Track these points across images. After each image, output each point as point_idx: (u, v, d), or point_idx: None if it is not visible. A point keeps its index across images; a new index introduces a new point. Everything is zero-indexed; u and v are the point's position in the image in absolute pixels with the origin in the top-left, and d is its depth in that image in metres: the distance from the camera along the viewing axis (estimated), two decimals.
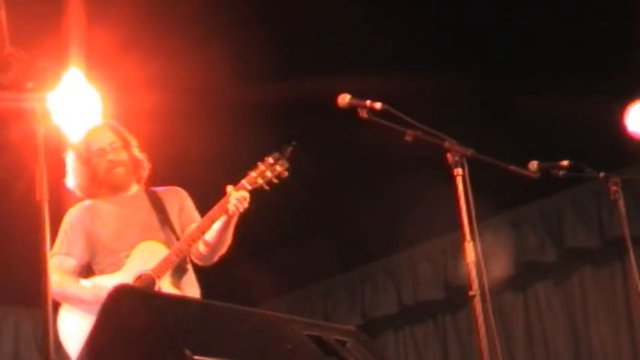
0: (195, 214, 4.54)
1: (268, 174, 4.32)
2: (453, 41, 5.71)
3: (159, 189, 4.61)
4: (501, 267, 6.98)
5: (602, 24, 5.36)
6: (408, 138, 3.81)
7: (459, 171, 3.75)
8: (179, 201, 4.56)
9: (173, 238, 4.45)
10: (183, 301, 3.61)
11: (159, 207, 4.51)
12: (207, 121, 5.90)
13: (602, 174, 4.73)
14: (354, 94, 3.85)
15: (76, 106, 4.45)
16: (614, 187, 4.73)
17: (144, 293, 3.56)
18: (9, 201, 5.38)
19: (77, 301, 4.31)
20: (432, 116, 3.85)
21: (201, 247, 4.42)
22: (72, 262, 4.43)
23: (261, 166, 4.34)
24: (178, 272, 4.40)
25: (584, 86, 5.59)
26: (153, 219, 4.47)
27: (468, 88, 5.80)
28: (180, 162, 5.50)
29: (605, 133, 5.43)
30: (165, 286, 4.31)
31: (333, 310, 8.32)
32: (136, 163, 4.56)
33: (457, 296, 7.36)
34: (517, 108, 5.90)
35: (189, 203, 4.58)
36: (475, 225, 3.68)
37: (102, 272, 4.41)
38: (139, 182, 4.60)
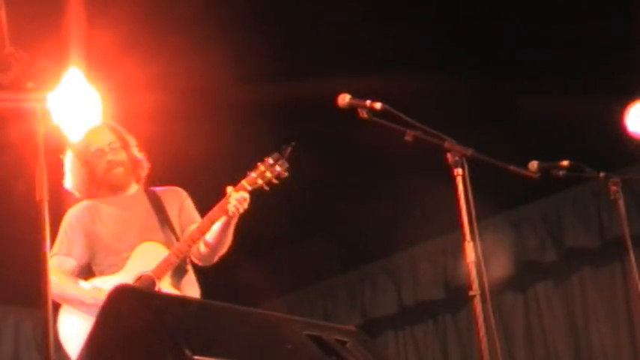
0: (195, 215, 4.54)
1: (268, 174, 4.32)
2: (453, 41, 5.71)
3: (158, 189, 4.61)
4: (501, 267, 6.98)
5: (602, 24, 5.36)
6: (408, 138, 3.81)
7: (459, 171, 3.75)
8: (179, 201, 4.56)
9: (173, 238, 4.44)
10: (183, 301, 3.61)
11: (158, 207, 4.50)
12: (207, 121, 5.90)
13: (602, 174, 4.73)
14: (354, 94, 3.85)
15: (76, 106, 4.44)
16: (614, 187, 4.73)
17: (144, 293, 3.56)
18: (9, 201, 5.38)
19: (77, 303, 4.30)
20: (432, 116, 3.85)
21: (202, 248, 4.42)
22: (72, 263, 4.43)
23: (261, 167, 4.33)
24: (178, 273, 4.39)
25: (584, 86, 5.59)
26: (152, 219, 4.47)
27: (468, 88, 5.80)
28: (180, 162, 5.50)
29: (605, 133, 5.43)
30: (166, 286, 4.31)
31: (333, 310, 8.32)
32: (135, 163, 4.56)
33: (457, 296, 7.36)
34: (517, 108, 5.90)
35: (188, 203, 4.57)
36: (475, 225, 3.68)
37: (102, 273, 4.41)
38: (138, 182, 4.59)
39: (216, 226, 4.33)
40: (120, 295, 2.97)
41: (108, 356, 2.91)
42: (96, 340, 2.97)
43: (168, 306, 3.02)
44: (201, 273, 4.55)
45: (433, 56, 5.66)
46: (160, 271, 4.30)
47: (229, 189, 4.29)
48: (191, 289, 4.44)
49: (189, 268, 4.48)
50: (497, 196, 6.12)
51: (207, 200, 4.46)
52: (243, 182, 4.31)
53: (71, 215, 4.52)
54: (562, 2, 5.43)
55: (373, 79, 4.66)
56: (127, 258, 4.36)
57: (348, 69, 5.33)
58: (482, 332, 3.59)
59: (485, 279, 3.66)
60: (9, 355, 7.82)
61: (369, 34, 5.62)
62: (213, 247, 4.42)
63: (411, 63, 5.63)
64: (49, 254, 2.92)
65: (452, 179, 3.77)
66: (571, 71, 5.67)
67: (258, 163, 4.35)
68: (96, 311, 3.13)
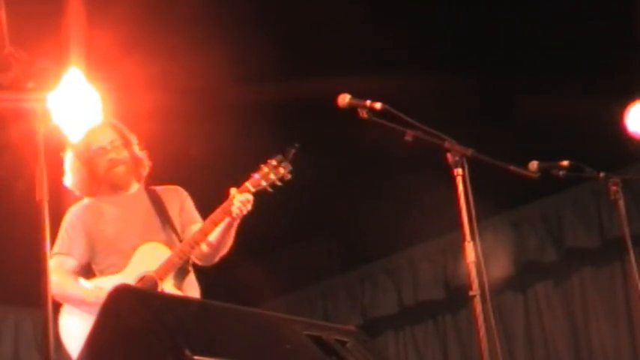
0: (196, 214, 4.54)
1: (272, 176, 4.32)
2: (453, 41, 5.71)
3: (158, 188, 4.60)
4: (501, 267, 6.98)
5: (602, 24, 5.36)
6: (408, 138, 3.81)
7: (459, 171, 3.76)
8: (179, 200, 4.55)
9: (174, 238, 4.44)
10: (183, 301, 3.62)
11: (159, 206, 4.50)
12: (207, 121, 5.90)
13: (602, 174, 4.73)
14: (354, 94, 3.85)
15: (76, 106, 4.43)
16: (614, 187, 4.73)
17: (144, 293, 3.57)
18: (9, 201, 5.37)
19: (79, 303, 4.29)
20: (432, 116, 3.85)
21: (204, 247, 4.41)
22: (72, 262, 4.43)
23: (264, 168, 4.33)
24: (181, 274, 4.39)
25: (584, 86, 5.59)
26: (154, 219, 4.46)
27: (468, 88, 5.80)
28: (180, 162, 5.50)
29: (605, 133, 5.43)
30: (168, 287, 4.31)
31: (333, 310, 8.32)
32: (136, 162, 4.55)
33: (457, 296, 7.36)
34: (517, 108, 5.90)
35: (189, 203, 4.57)
36: (475, 225, 3.68)
37: (102, 273, 4.40)
38: (138, 181, 4.58)
39: (219, 227, 4.33)
40: (120, 295, 2.97)
41: (108, 356, 2.91)
42: (96, 340, 2.97)
43: (169, 306, 3.02)
44: (201, 273, 4.55)
45: (433, 56, 5.65)
46: (162, 272, 4.30)
47: (233, 190, 4.29)
48: (192, 290, 4.44)
49: (191, 269, 4.48)
50: (497, 196, 6.12)
51: (207, 200, 4.46)
52: (247, 184, 4.31)
53: (72, 214, 4.51)
54: (562, 2, 5.43)
55: (373, 79, 4.66)
56: (129, 258, 4.36)
57: (348, 69, 5.33)
58: (483, 332, 3.59)
59: (485, 279, 3.66)
60: (9, 355, 7.82)
61: (369, 34, 5.62)
62: (216, 247, 4.41)
63: (411, 63, 5.63)
64: (49, 253, 2.92)
65: (452, 179, 3.77)
66: (571, 71, 5.67)
67: (262, 165, 4.34)
68: (97, 310, 3.12)
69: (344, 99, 3.84)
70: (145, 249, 4.38)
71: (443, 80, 5.57)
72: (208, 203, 4.46)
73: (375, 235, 7.48)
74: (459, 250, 3.85)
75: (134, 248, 4.37)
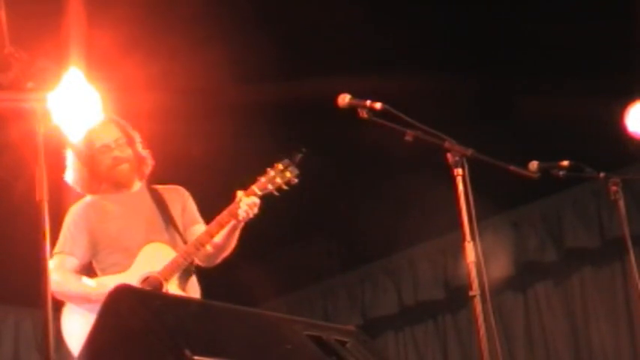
0: (197, 215, 4.54)
1: (278, 180, 4.33)
2: (453, 41, 5.71)
3: (160, 187, 4.59)
4: (501, 267, 6.98)
5: (602, 24, 5.36)
6: (408, 138, 3.80)
7: (459, 171, 3.76)
8: (181, 200, 4.55)
9: (177, 237, 4.44)
10: (183, 302, 3.62)
11: (162, 206, 4.49)
12: (207, 121, 5.90)
13: (602, 174, 4.73)
14: (354, 94, 3.85)
15: (76, 106, 4.43)
16: (614, 187, 4.73)
17: (144, 293, 3.56)
18: (9, 201, 5.37)
19: (82, 300, 4.28)
20: (432, 116, 3.85)
21: (208, 247, 4.40)
22: (74, 261, 4.41)
23: (271, 172, 4.34)
24: (185, 275, 4.39)
25: (584, 86, 5.58)
26: (157, 218, 4.45)
27: (468, 88, 5.80)
28: (181, 162, 5.49)
29: (605, 133, 5.43)
30: (172, 289, 4.30)
31: (333, 310, 8.32)
32: (140, 160, 4.54)
33: (457, 296, 7.36)
34: (517, 108, 5.90)
35: (191, 203, 4.56)
36: (475, 225, 3.68)
37: (104, 271, 4.39)
38: (141, 179, 4.57)
39: (224, 229, 4.33)
40: (120, 295, 2.97)
41: (108, 356, 2.91)
42: (96, 340, 2.97)
43: (169, 306, 3.02)
44: (202, 273, 4.55)
45: (433, 56, 5.65)
46: (167, 273, 4.29)
47: (240, 193, 4.29)
48: (194, 291, 4.44)
49: (194, 270, 4.48)
50: (497, 196, 6.12)
51: (207, 200, 4.45)
52: (254, 187, 4.31)
53: (74, 212, 4.50)
54: (562, 2, 5.43)
55: (373, 79, 4.66)
56: (133, 257, 4.34)
57: (348, 69, 5.33)
58: (483, 332, 3.59)
59: (485, 279, 3.66)
60: (9, 355, 7.82)
61: (369, 34, 5.62)
62: (219, 249, 4.42)
63: (411, 63, 5.63)
64: (51, 252, 2.92)
65: (452, 179, 3.77)
66: (571, 71, 5.67)
67: (268, 169, 4.35)
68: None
69: (344, 99, 3.84)
70: (149, 249, 4.37)
71: (443, 80, 5.57)
72: (208, 203, 4.45)
73: (375, 235, 7.48)
74: (459, 250, 3.85)
75: (138, 247, 4.36)
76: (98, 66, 4.79)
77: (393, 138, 3.84)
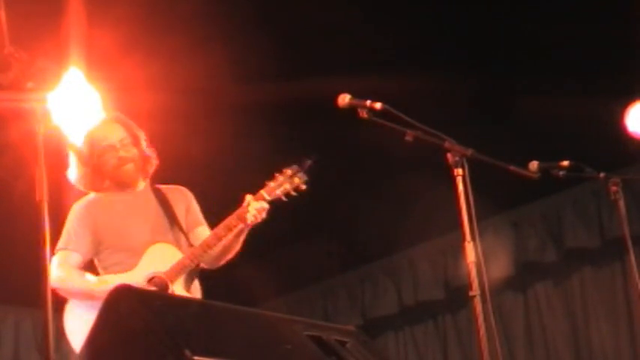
0: (201, 217, 4.53)
1: (287, 186, 4.34)
2: (453, 41, 5.71)
3: (164, 187, 4.58)
4: (501, 267, 6.98)
5: (602, 24, 5.36)
6: (408, 138, 3.80)
7: (459, 171, 3.75)
8: (185, 201, 4.54)
9: (181, 237, 4.43)
10: (183, 302, 3.62)
11: (166, 206, 4.47)
12: (207, 121, 5.90)
13: (602, 174, 4.73)
14: (354, 94, 3.85)
15: (76, 106, 4.43)
16: (614, 187, 4.73)
17: (144, 293, 3.56)
18: (9, 201, 5.37)
19: (85, 297, 4.26)
20: (432, 116, 3.85)
21: (214, 251, 4.40)
22: (77, 258, 4.39)
23: (280, 178, 4.34)
24: (190, 277, 4.38)
25: (584, 86, 5.59)
26: (162, 218, 4.44)
27: (468, 88, 5.80)
28: (181, 162, 5.49)
29: (605, 133, 5.43)
30: (179, 290, 4.29)
31: (333, 310, 8.32)
32: (145, 160, 4.52)
33: (457, 296, 7.36)
34: (517, 108, 5.90)
35: (195, 205, 4.55)
36: (475, 225, 3.68)
37: (106, 270, 4.38)
38: (145, 179, 4.57)
39: (231, 232, 4.33)
40: (120, 295, 2.97)
41: (108, 356, 2.91)
42: (96, 340, 2.97)
43: (169, 306, 3.02)
44: (202, 273, 4.55)
45: (433, 56, 5.65)
46: (173, 274, 4.28)
47: (248, 197, 4.29)
48: (197, 293, 4.43)
49: (198, 272, 4.47)
50: (497, 196, 6.12)
51: (207, 200, 4.45)
52: (262, 192, 4.32)
53: (78, 209, 4.47)
54: (562, 2, 5.43)
55: (373, 79, 4.66)
56: (138, 256, 4.33)
57: (348, 69, 5.33)
58: (483, 332, 3.59)
59: (485, 279, 3.66)
60: (9, 355, 7.82)
61: (369, 34, 5.61)
62: (224, 252, 4.41)
63: (411, 63, 5.62)
64: (53, 249, 2.92)
65: (452, 179, 3.77)
66: (571, 71, 5.67)
67: (277, 174, 4.35)
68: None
69: (344, 99, 3.84)
70: (155, 249, 4.35)
71: (443, 80, 5.57)
72: (208, 203, 4.45)
73: (375, 235, 7.49)
74: (459, 250, 3.85)
75: (143, 247, 4.34)
76: (98, 66, 4.80)
77: (393, 138, 3.84)
